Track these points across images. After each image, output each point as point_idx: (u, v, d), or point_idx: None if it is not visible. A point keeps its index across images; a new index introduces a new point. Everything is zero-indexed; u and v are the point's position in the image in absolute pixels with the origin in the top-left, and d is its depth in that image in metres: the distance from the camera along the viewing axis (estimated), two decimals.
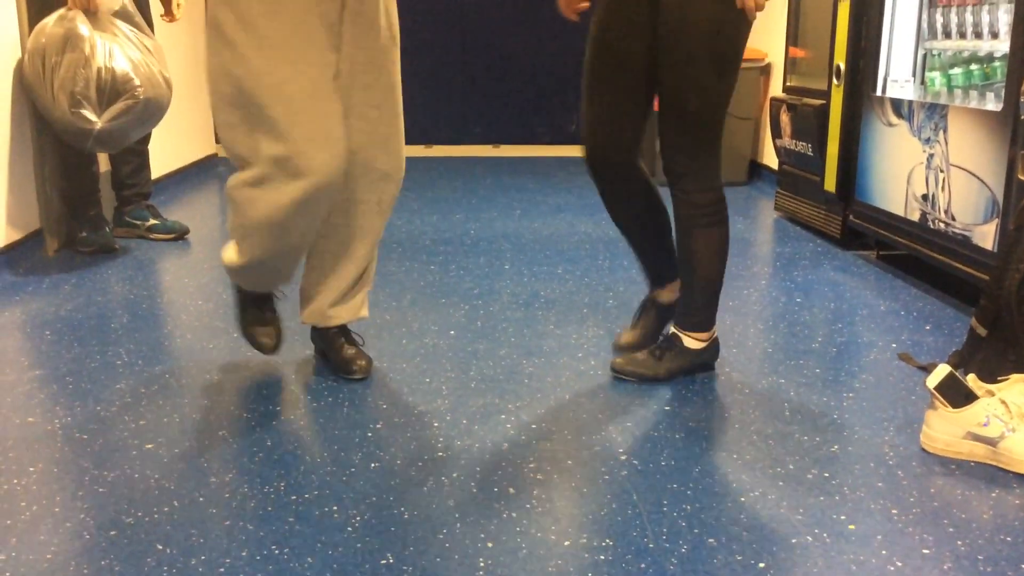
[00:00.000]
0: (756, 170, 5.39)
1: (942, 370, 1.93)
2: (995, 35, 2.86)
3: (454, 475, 1.81)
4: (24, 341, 2.60)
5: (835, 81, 3.63)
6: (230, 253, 2.21)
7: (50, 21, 3.22)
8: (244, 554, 1.54)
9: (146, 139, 3.87)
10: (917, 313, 2.86)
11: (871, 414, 2.11)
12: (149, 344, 2.57)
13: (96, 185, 3.66)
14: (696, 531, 1.61)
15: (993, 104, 2.77)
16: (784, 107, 4.15)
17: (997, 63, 2.89)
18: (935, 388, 1.91)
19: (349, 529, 1.62)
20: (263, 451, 1.92)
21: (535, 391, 2.24)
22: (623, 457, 1.89)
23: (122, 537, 1.59)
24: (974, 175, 2.74)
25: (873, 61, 3.38)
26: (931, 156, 2.97)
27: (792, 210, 4.18)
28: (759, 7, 2.02)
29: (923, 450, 1.93)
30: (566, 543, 1.58)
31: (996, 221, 2.64)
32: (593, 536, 1.60)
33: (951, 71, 3.14)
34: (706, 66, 2.07)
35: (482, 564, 1.51)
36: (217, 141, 6.28)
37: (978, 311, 2.23)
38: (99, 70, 3.18)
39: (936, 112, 2.94)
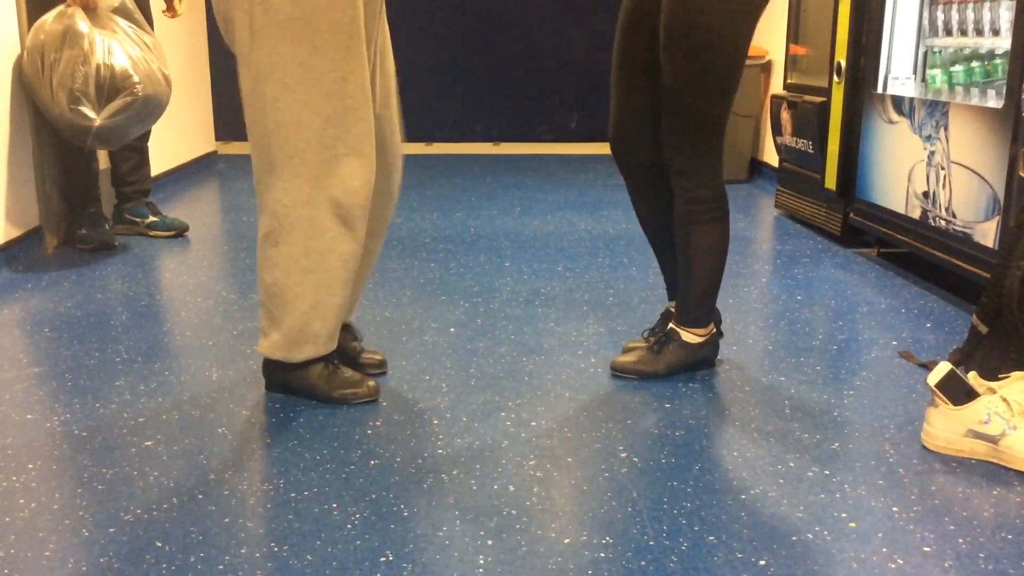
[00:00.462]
0: (757, 168, 5.39)
1: (943, 368, 1.92)
2: (996, 32, 2.86)
3: (454, 472, 1.81)
4: (23, 338, 2.60)
5: (836, 78, 3.62)
6: (275, 335, 2.09)
7: (49, 18, 3.21)
8: (243, 551, 1.54)
9: (146, 136, 3.87)
10: (918, 311, 2.85)
11: (872, 412, 2.11)
12: (148, 341, 2.57)
13: (95, 182, 3.66)
14: (696, 529, 1.61)
15: (994, 101, 2.77)
16: (785, 104, 4.14)
17: (998, 60, 2.88)
18: (936, 386, 1.91)
19: (348, 527, 1.61)
20: (262, 448, 1.92)
21: (535, 389, 2.24)
22: (623, 455, 1.89)
23: (121, 534, 1.59)
24: (975, 172, 2.73)
25: (874, 58, 3.37)
26: (932, 153, 2.97)
27: (793, 208, 4.18)
28: None
29: (924, 448, 1.93)
30: (566, 541, 1.57)
31: (997, 218, 2.63)
32: (593, 534, 1.59)
33: (952, 68, 3.14)
34: (694, 59, 2.03)
35: (482, 562, 1.51)
36: (217, 139, 6.29)
37: (979, 308, 2.23)
38: (98, 67, 3.18)
39: (937, 109, 2.93)
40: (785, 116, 4.15)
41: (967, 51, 3.04)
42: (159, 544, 1.56)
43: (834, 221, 3.73)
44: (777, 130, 4.29)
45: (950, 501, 1.71)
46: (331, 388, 2.13)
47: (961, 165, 2.80)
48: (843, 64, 3.56)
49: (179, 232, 3.88)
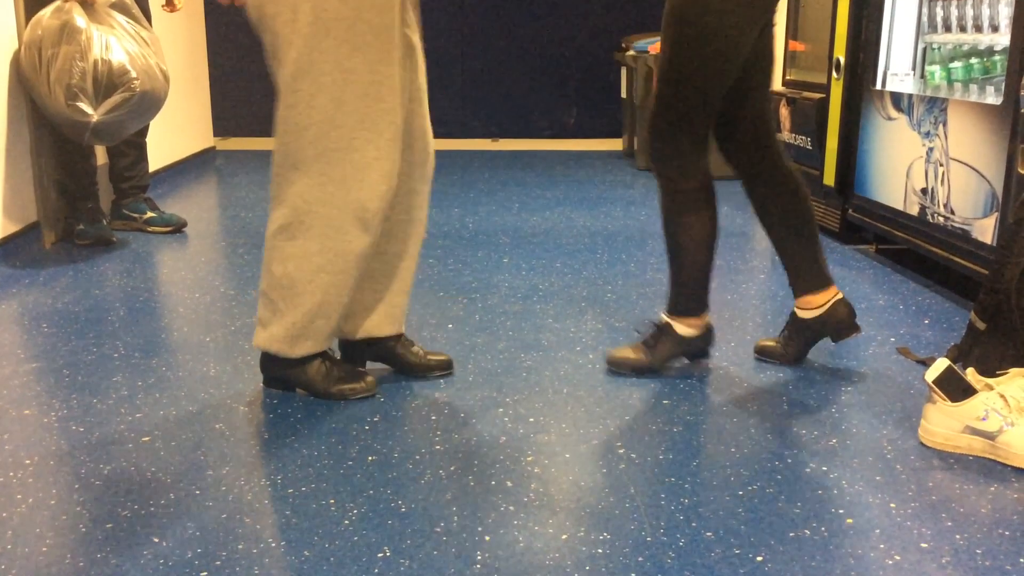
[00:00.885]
0: None
1: (941, 364, 1.92)
2: (995, 28, 2.86)
3: (451, 468, 1.81)
4: (21, 334, 2.59)
5: (835, 75, 3.62)
6: (276, 328, 2.08)
7: (47, 13, 3.21)
8: (241, 547, 1.53)
9: (144, 132, 3.87)
10: (916, 307, 2.85)
11: (869, 408, 2.11)
12: (146, 337, 2.57)
13: (93, 178, 3.65)
14: (694, 524, 1.61)
15: (993, 98, 2.77)
16: (783, 101, 4.14)
17: (997, 57, 2.88)
18: (934, 382, 1.91)
19: (346, 522, 1.61)
20: (260, 444, 1.92)
21: (533, 385, 2.24)
22: (621, 450, 1.89)
23: (118, 530, 1.59)
24: (974, 169, 2.73)
25: (873, 55, 3.37)
26: (931, 150, 2.97)
27: None
28: None
29: (922, 444, 1.93)
30: (564, 536, 1.57)
31: (995, 215, 2.63)
32: (591, 529, 1.59)
33: (951, 65, 3.13)
34: (669, 43, 2.07)
35: (479, 557, 1.51)
36: (215, 134, 6.28)
37: (977, 305, 2.23)
38: (96, 62, 3.17)
39: (936, 106, 2.93)
40: (784, 112, 4.14)
41: (966, 47, 3.04)
42: (156, 540, 1.56)
43: (832, 217, 3.73)
44: (776, 126, 4.28)
45: (948, 497, 1.71)
46: (329, 384, 2.13)
47: (960, 162, 2.80)
48: (842, 60, 3.55)
49: (177, 228, 3.88)
